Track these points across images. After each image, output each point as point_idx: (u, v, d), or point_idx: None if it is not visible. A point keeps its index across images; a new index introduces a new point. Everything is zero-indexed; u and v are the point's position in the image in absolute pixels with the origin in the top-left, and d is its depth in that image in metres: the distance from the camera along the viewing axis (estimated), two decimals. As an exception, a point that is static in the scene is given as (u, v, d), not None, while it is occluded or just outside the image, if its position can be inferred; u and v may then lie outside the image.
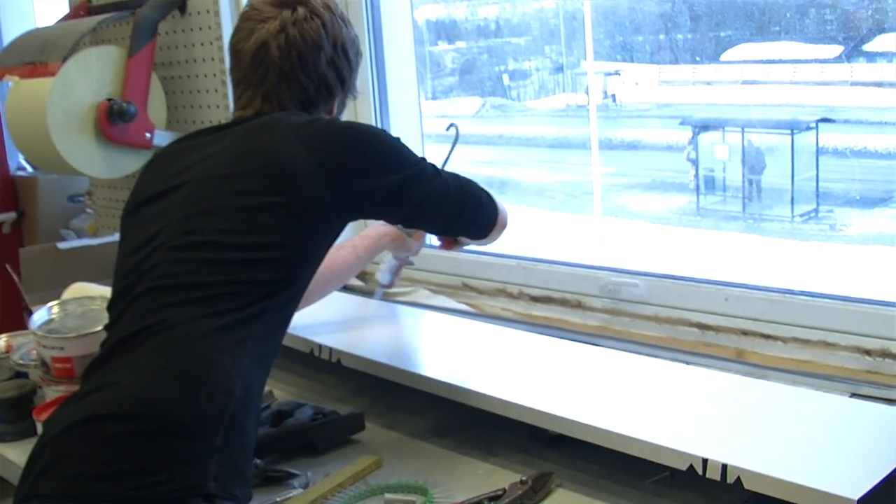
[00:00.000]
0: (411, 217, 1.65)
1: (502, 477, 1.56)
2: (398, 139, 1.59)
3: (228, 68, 1.63)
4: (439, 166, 1.65)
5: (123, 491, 1.19)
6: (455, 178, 1.67)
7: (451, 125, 1.98)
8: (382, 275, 2.11)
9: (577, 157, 3.07)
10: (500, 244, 1.85)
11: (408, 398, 1.87)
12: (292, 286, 1.45)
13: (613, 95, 3.08)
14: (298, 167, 1.43)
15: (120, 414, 1.24)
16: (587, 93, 3.00)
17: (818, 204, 2.48)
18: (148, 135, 2.54)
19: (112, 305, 1.45)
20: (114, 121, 2.47)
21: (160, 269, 1.39)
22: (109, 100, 2.46)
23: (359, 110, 2.59)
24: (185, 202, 1.45)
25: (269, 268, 1.40)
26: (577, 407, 1.57)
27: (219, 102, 2.55)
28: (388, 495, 1.54)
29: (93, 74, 2.47)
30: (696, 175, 2.91)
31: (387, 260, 2.11)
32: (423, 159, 1.61)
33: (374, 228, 1.99)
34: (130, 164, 2.55)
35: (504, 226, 1.79)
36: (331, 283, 1.94)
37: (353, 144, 1.51)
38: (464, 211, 1.67)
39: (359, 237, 2.00)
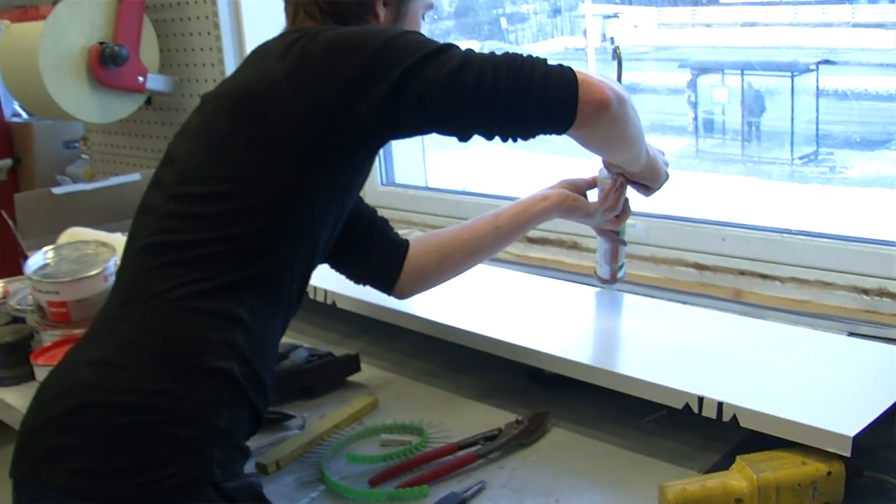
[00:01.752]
0: (399, 100, 1.26)
1: (499, 417, 1.56)
2: (412, 32, 1.33)
3: None
4: None
5: (133, 487, 1.13)
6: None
7: (616, 45, 1.65)
8: (599, 266, 1.81)
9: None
10: (496, 186, 1.81)
11: (404, 341, 1.87)
12: (282, 245, 1.29)
13: (612, 38, 3.05)
14: (271, 87, 1.28)
15: (119, 404, 1.17)
16: (585, 35, 2.97)
17: (818, 146, 2.46)
18: (141, 78, 2.53)
19: (124, 249, 1.37)
20: (106, 64, 2.45)
21: (154, 222, 1.31)
22: (101, 43, 2.45)
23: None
24: (192, 139, 1.36)
25: (244, 220, 1.26)
26: (573, 347, 1.57)
27: (211, 45, 2.52)
28: (384, 435, 1.55)
29: (84, 18, 2.45)
30: (696, 118, 2.89)
31: (599, 246, 1.80)
32: (448, 44, 1.29)
33: (530, 195, 1.67)
34: (124, 108, 2.54)
35: (608, 107, 1.29)
36: (461, 260, 1.65)
37: (342, 43, 1.29)
38: (498, 81, 1.25)
39: (505, 206, 1.67)
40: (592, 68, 2.84)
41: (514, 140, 1.33)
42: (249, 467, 1.37)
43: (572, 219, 1.68)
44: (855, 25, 2.33)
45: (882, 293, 1.72)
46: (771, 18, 2.56)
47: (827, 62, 2.48)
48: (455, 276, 1.67)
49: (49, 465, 1.17)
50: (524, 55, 1.29)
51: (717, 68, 2.79)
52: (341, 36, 1.30)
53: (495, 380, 1.72)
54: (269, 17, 2.55)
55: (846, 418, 1.26)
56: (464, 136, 1.34)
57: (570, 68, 1.29)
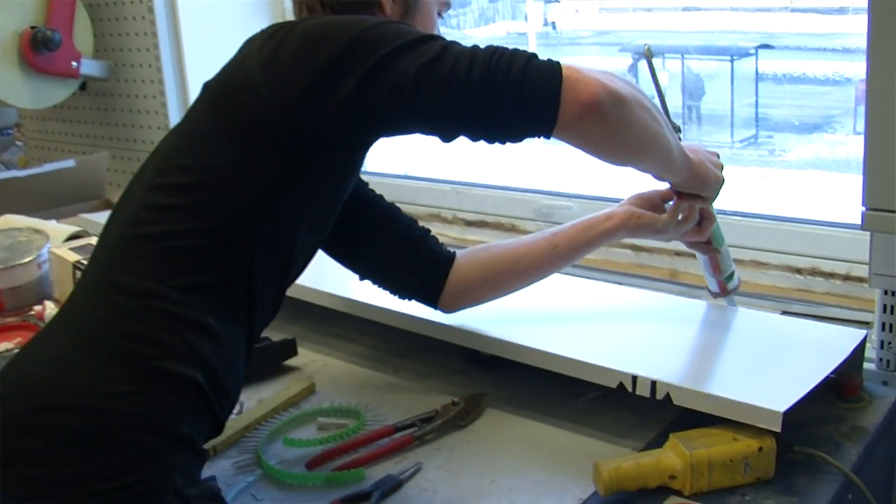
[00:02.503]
0: (369, 92, 1.18)
1: (436, 399, 1.55)
2: (397, 22, 1.26)
3: None
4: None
5: (92, 497, 1.07)
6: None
7: (646, 44, 1.48)
8: (707, 280, 1.66)
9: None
10: (435, 169, 1.80)
11: (340, 325, 1.86)
12: (251, 246, 1.21)
13: (553, 23, 3.05)
14: (246, 79, 1.22)
15: (77, 407, 1.11)
16: (527, 20, 2.97)
17: (758, 130, 2.48)
18: (74, 63, 2.49)
19: (100, 237, 1.31)
20: (38, 49, 2.41)
21: (129, 213, 1.24)
22: (33, 28, 2.41)
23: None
24: (176, 130, 1.31)
25: (212, 213, 1.19)
26: (508, 328, 1.57)
27: (146, 29, 2.50)
28: (321, 419, 1.54)
29: (15, 1, 2.41)
30: (636, 102, 2.90)
31: (698, 258, 1.64)
32: (428, 35, 1.21)
33: (596, 213, 1.54)
34: (58, 93, 2.50)
35: (598, 103, 1.16)
36: (512, 279, 1.55)
37: (317, 32, 1.22)
38: (471, 75, 1.16)
39: (566, 224, 1.55)
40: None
41: (501, 142, 1.24)
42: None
43: (643, 237, 1.56)
44: (793, 10, 2.35)
45: (814, 272, 1.75)
46: (711, 3, 2.58)
47: (766, 46, 2.50)
48: (507, 293, 1.57)
49: (2, 469, 1.10)
50: (510, 48, 1.19)
51: (658, 52, 2.80)
52: (318, 25, 1.23)
53: (432, 362, 1.72)
54: (203, 1, 2.52)
55: (777, 395, 1.27)
56: (445, 137, 1.25)
57: (557, 63, 1.18)
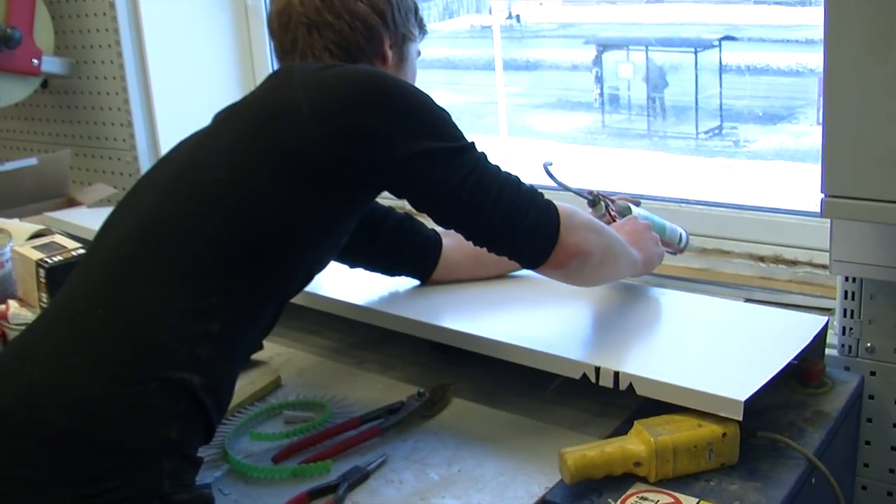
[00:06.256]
0: (441, 205, 1.35)
1: (402, 390, 1.56)
2: (444, 110, 1.35)
3: (276, 56, 1.49)
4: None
5: (75, 500, 1.07)
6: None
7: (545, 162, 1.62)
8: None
9: (483, 79, 3.05)
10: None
11: (305, 318, 1.86)
12: (273, 256, 1.26)
13: (517, 16, 3.06)
14: (289, 107, 1.27)
15: (65, 409, 1.11)
16: (491, 13, 2.97)
17: (722, 121, 2.49)
18: (35, 61, 2.46)
19: (97, 238, 1.32)
20: (-2, 47, 2.39)
21: (138, 217, 1.27)
22: (-8, 25, 2.38)
23: (254, 52, 2.53)
24: (196, 144, 1.35)
25: (235, 225, 1.23)
26: (472, 321, 1.57)
27: (108, 26, 2.47)
28: (287, 412, 1.54)
29: (-27, -2, 2.38)
30: (601, 94, 2.91)
31: None
32: (472, 143, 1.35)
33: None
34: (18, 91, 2.48)
35: (589, 256, 1.40)
36: (496, 272, 1.76)
37: (363, 85, 1.30)
38: (518, 212, 1.33)
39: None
40: (498, 45, 2.84)
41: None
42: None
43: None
44: (756, 2, 2.36)
45: (777, 260, 1.76)
46: (674, -5, 2.59)
47: (729, 38, 2.51)
48: (488, 277, 1.75)
49: None
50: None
51: (622, 45, 2.81)
52: (393, 98, 1.31)
53: (397, 354, 1.73)
54: (165, -3, 2.51)
55: (740, 383, 1.28)
56: (446, 226, 1.39)
57: (556, 215, 1.36)
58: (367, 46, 1.44)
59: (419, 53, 1.56)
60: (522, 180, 1.37)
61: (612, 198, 1.68)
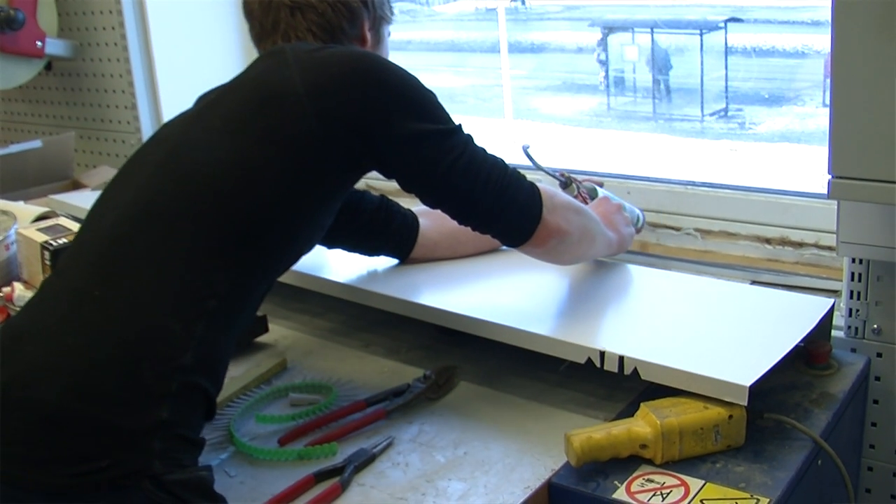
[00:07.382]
0: (433, 186, 1.37)
1: (407, 373, 1.56)
2: (432, 92, 1.38)
3: (252, 37, 1.50)
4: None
5: (65, 478, 1.08)
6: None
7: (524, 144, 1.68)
8: None
9: (488, 61, 3.04)
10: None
11: (310, 301, 1.86)
12: (269, 235, 1.28)
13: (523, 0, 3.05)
14: (286, 87, 1.28)
15: (58, 389, 1.12)
16: (496, -5, 2.96)
17: (727, 103, 2.48)
18: (39, 43, 2.46)
19: (89, 219, 1.33)
20: (2, 29, 2.39)
21: (132, 195, 1.27)
22: (-4, 7, 2.37)
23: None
24: (190, 122, 1.35)
25: (236, 200, 1.25)
26: (478, 305, 1.57)
27: (111, 7, 2.47)
28: (293, 395, 1.53)
29: (-24, -20, 2.37)
30: (606, 76, 2.90)
31: None
32: (459, 125, 1.38)
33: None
34: (23, 73, 2.48)
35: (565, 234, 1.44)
36: (473, 251, 1.79)
37: (359, 67, 1.32)
38: (505, 194, 1.37)
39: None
40: (503, 27, 2.83)
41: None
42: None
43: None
44: (762, -16, 2.36)
45: (783, 242, 1.75)
46: (680, -24, 2.58)
47: (735, 20, 2.50)
48: (466, 256, 1.79)
49: None
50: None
51: (627, 27, 2.80)
52: (385, 81, 1.33)
53: (403, 336, 1.73)
54: (169, -23, 2.50)
55: (745, 367, 1.28)
56: (434, 206, 1.41)
57: (539, 197, 1.40)
58: (349, 28, 1.46)
59: (390, 34, 1.58)
60: (507, 162, 1.40)
61: (579, 178, 1.73)
